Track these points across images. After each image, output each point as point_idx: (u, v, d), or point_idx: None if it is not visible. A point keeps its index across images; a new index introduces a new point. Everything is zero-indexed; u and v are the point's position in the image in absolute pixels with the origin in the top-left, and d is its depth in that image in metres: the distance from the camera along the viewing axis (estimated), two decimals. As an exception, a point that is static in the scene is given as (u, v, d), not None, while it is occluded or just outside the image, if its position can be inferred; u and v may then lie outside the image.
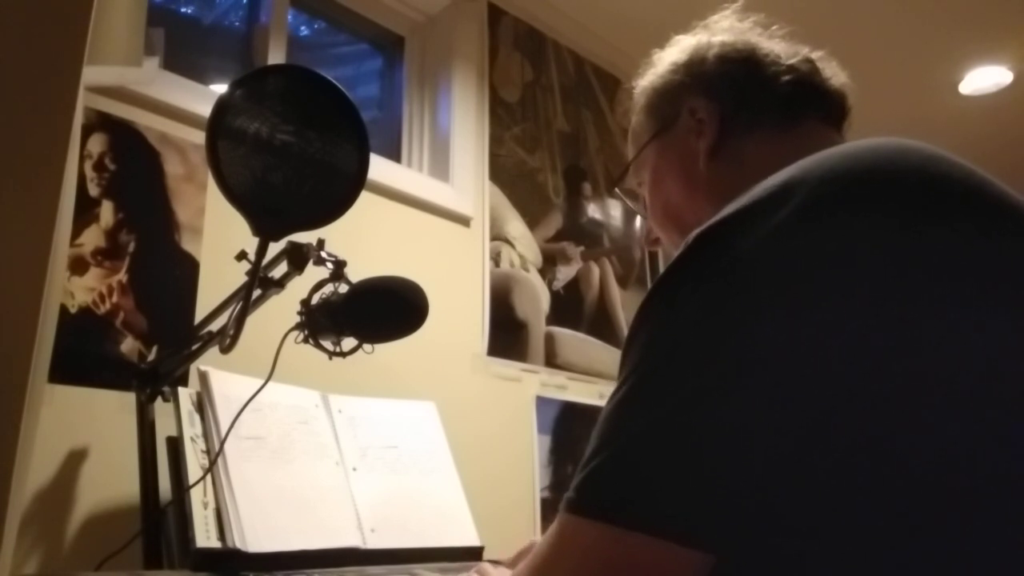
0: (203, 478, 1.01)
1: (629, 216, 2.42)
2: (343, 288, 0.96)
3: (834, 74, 0.79)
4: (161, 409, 1.12)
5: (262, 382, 1.01)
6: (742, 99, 0.77)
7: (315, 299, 0.97)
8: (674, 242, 0.83)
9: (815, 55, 0.80)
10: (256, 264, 0.87)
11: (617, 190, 0.95)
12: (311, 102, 0.85)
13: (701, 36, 0.83)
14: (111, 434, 1.20)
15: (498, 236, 2.00)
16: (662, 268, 0.55)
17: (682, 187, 0.80)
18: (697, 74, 0.80)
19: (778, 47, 0.80)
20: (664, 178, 0.82)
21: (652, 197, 0.85)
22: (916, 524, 0.46)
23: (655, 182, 0.84)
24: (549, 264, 2.12)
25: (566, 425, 2.01)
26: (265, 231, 0.84)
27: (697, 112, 0.79)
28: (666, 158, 0.82)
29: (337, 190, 0.86)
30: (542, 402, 1.97)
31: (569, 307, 2.14)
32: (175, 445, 1.08)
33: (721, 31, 0.82)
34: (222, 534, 0.99)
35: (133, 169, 1.35)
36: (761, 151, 0.74)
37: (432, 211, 1.85)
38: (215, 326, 1.05)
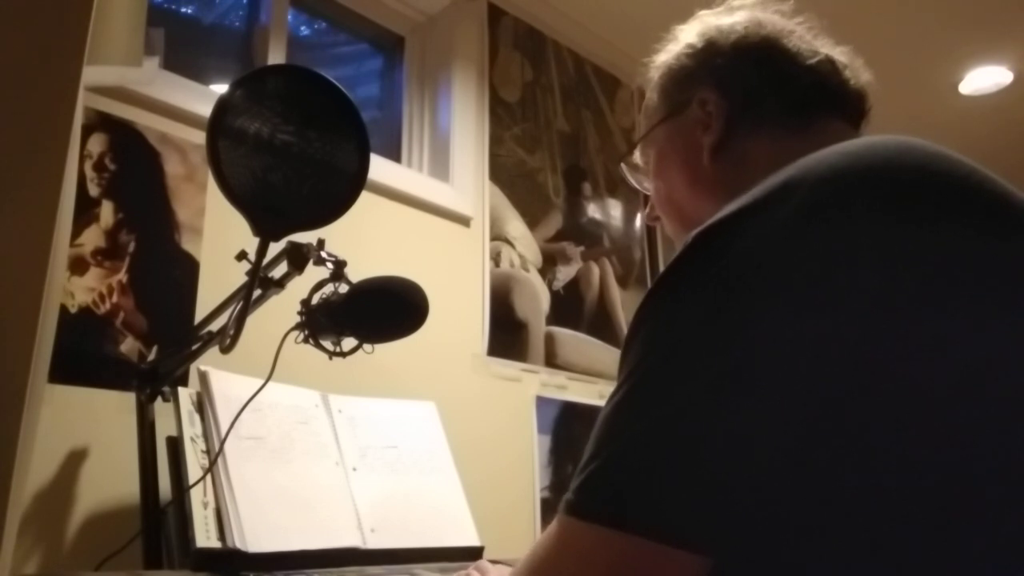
0: (203, 478, 1.01)
1: (629, 216, 2.42)
2: (343, 288, 0.96)
3: (855, 75, 0.77)
4: (161, 409, 1.12)
5: (262, 382, 1.01)
6: (753, 98, 0.75)
7: (315, 299, 0.97)
8: (674, 229, 0.83)
9: (839, 51, 0.78)
10: (256, 264, 0.87)
11: (623, 165, 0.94)
12: (311, 102, 0.85)
13: (724, 19, 0.80)
14: (111, 434, 1.20)
15: (498, 236, 2.00)
16: (662, 268, 0.55)
17: (684, 179, 0.79)
18: (712, 65, 0.78)
19: (801, 43, 0.77)
20: (668, 166, 0.82)
21: (656, 180, 0.84)
22: (916, 526, 0.46)
23: (659, 166, 0.83)
24: (549, 264, 2.12)
25: (566, 425, 2.01)
26: (265, 231, 0.84)
27: (707, 104, 0.77)
28: (672, 145, 0.81)
29: (337, 190, 0.86)
30: (542, 402, 1.97)
31: (569, 307, 2.14)
32: (175, 445, 1.08)
33: (743, 16, 0.80)
34: (222, 534, 0.99)
35: (133, 169, 1.35)
36: (766, 150, 0.73)
37: (432, 211, 1.85)
38: (215, 326, 1.05)
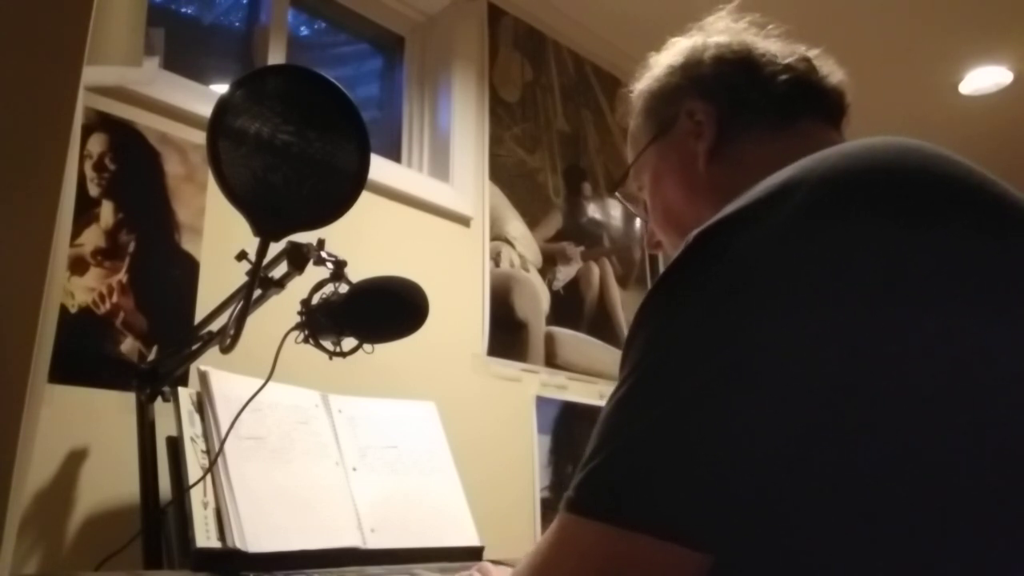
0: (203, 478, 1.01)
1: (629, 216, 2.42)
2: (343, 288, 0.96)
3: (831, 72, 0.79)
4: (161, 409, 1.12)
5: (262, 382, 1.01)
6: (739, 100, 0.77)
7: (315, 299, 0.97)
8: (676, 245, 0.83)
9: (812, 53, 0.80)
10: (256, 264, 0.87)
11: (618, 194, 0.95)
12: (311, 102, 0.85)
13: (697, 38, 0.83)
14: (111, 434, 1.20)
15: (498, 236, 2.00)
16: (662, 268, 0.55)
17: (682, 189, 0.80)
18: (693, 76, 0.80)
19: (774, 47, 0.80)
20: (664, 181, 0.82)
21: (653, 200, 0.85)
22: (914, 524, 0.46)
23: (655, 185, 0.84)
24: (549, 264, 2.12)
25: (566, 425, 2.01)
26: (265, 231, 0.84)
27: (695, 114, 0.79)
28: (666, 161, 0.82)
29: (337, 190, 0.86)
30: (542, 402, 1.97)
31: (569, 307, 2.14)
32: (175, 445, 1.08)
33: (717, 32, 0.82)
34: (222, 534, 0.99)
35: (133, 169, 1.35)
36: (760, 152, 0.74)
37: (432, 211, 1.85)
38: (215, 326, 1.05)
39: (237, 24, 1.89)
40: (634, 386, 0.51)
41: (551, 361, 2.03)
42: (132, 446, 1.11)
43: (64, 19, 0.74)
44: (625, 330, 2.21)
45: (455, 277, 1.86)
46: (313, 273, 0.96)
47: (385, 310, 0.97)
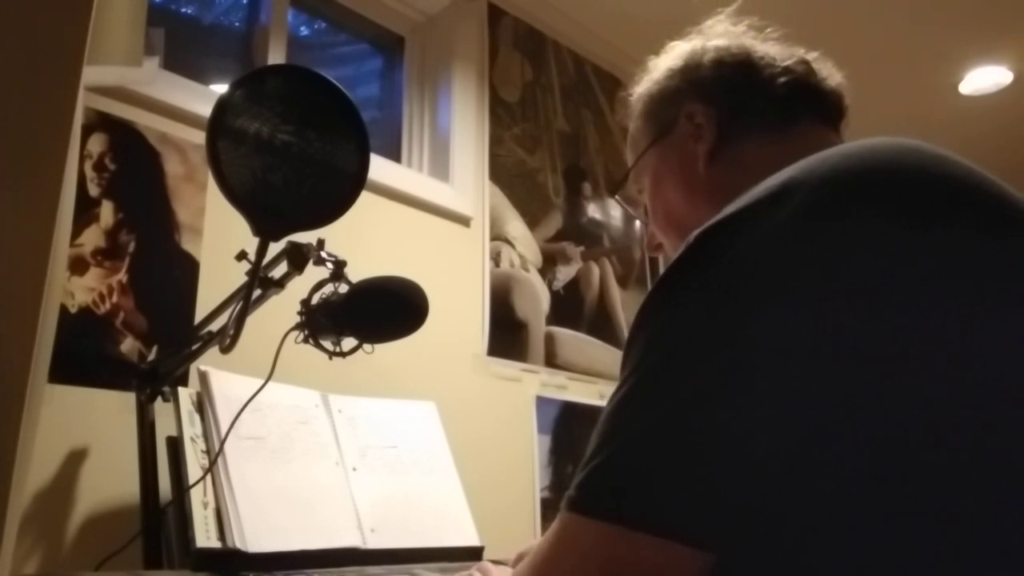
0: (203, 478, 1.01)
1: (629, 216, 2.42)
2: (343, 288, 0.96)
3: (830, 74, 0.80)
4: (161, 409, 1.12)
5: (262, 382, 1.01)
6: (739, 102, 0.77)
7: (315, 299, 0.97)
8: (676, 247, 0.83)
9: (810, 56, 0.80)
10: (256, 264, 0.87)
11: (618, 197, 0.95)
12: (311, 102, 0.85)
13: (696, 41, 0.83)
14: (111, 434, 1.20)
15: (498, 236, 2.00)
16: (663, 268, 0.55)
17: (683, 192, 0.80)
18: (693, 79, 0.81)
19: (773, 49, 0.80)
20: (664, 183, 0.83)
21: (653, 203, 0.85)
22: (915, 524, 0.46)
23: (655, 187, 0.84)
24: (549, 264, 2.12)
25: (566, 425, 2.01)
26: (265, 231, 0.84)
27: (695, 117, 0.79)
28: (666, 163, 0.82)
29: (337, 190, 0.86)
30: (542, 402, 1.97)
31: (569, 307, 2.14)
32: (175, 445, 1.08)
33: (716, 36, 0.83)
34: (222, 534, 0.99)
35: (133, 169, 1.35)
36: (760, 153, 0.74)
37: (432, 211, 1.85)
38: (215, 326, 1.05)
39: (237, 24, 1.89)
40: (635, 386, 0.51)
41: (551, 361, 2.03)
42: (132, 446, 1.11)
43: (64, 19, 0.74)
44: (625, 330, 2.22)
45: (455, 277, 1.86)
46: (313, 273, 0.96)
47: (385, 310, 0.97)
